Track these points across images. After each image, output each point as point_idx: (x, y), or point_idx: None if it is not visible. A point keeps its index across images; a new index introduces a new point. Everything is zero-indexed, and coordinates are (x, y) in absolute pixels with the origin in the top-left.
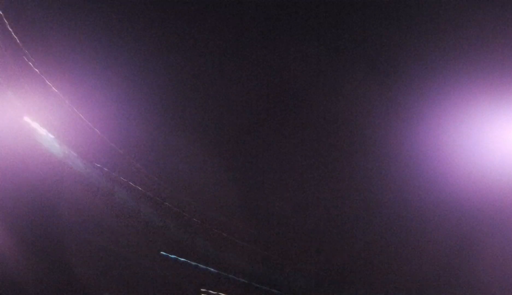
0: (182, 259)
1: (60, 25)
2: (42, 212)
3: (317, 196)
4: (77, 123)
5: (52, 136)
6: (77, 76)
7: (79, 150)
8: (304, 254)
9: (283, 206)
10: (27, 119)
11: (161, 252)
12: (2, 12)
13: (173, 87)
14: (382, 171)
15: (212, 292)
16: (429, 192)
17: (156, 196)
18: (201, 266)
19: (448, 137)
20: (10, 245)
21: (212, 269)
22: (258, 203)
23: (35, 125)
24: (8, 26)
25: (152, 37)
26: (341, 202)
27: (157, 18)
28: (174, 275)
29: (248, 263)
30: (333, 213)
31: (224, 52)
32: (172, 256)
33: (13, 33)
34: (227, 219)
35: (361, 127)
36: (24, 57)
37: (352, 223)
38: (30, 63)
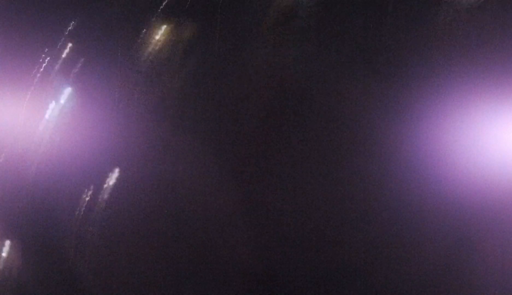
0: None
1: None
2: (42, 212)
3: (316, 197)
4: (77, 123)
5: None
6: (76, 76)
7: (78, 150)
8: (304, 254)
9: (283, 207)
10: (27, 119)
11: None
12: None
13: (173, 86)
14: (382, 171)
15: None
16: (429, 192)
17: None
18: (200, 266)
19: (448, 137)
20: (10, 245)
21: (212, 269)
22: (258, 204)
23: (35, 124)
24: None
25: (151, 36)
26: (341, 202)
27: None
28: (174, 275)
29: (247, 263)
30: (333, 213)
31: (224, 52)
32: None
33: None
34: (227, 219)
35: (361, 127)
36: (24, 56)
37: (352, 223)
38: (30, 62)
